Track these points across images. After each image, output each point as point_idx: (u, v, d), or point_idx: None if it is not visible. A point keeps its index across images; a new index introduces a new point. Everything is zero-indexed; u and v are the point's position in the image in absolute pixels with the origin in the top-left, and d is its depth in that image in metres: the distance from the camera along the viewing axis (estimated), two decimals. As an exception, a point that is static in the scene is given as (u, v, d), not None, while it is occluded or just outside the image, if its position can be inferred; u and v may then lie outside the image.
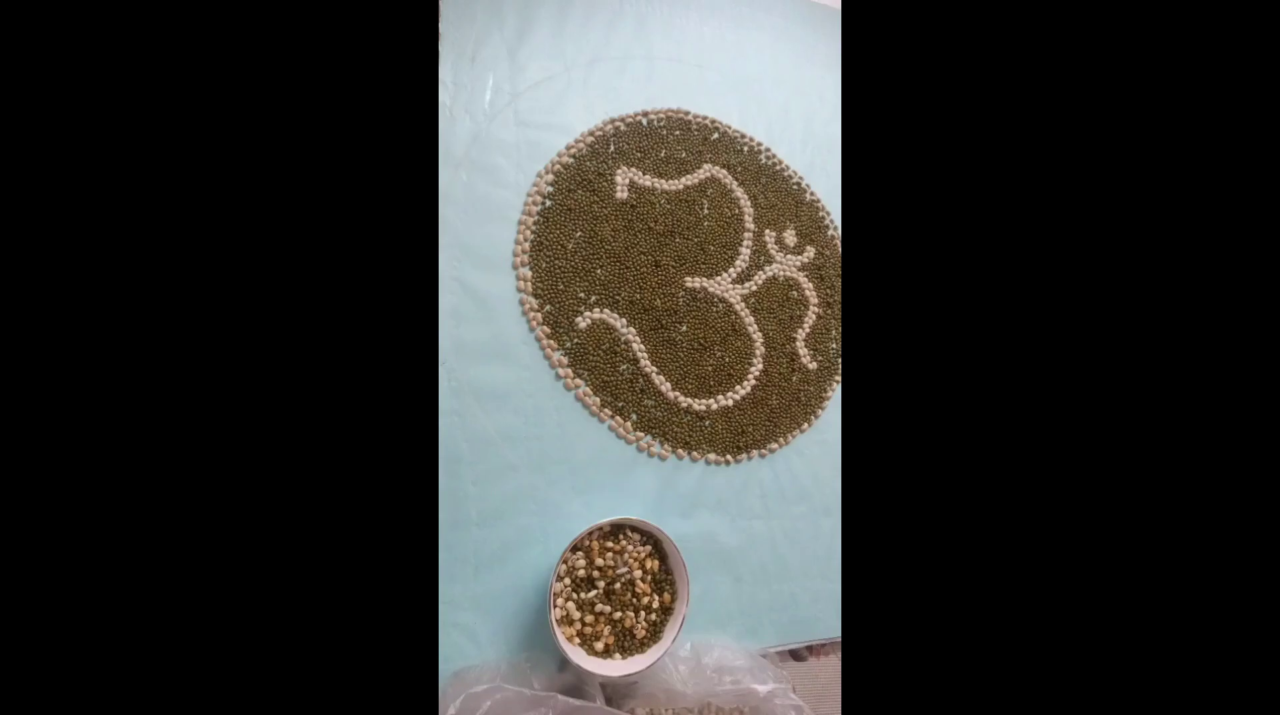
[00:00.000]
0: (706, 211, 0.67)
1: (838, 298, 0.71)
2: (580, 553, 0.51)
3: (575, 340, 0.59)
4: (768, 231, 0.69)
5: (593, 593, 0.51)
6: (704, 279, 0.65)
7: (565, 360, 0.58)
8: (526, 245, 0.59)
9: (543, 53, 0.65)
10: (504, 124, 0.62)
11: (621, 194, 0.64)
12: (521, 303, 0.58)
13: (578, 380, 0.58)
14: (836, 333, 0.70)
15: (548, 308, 0.58)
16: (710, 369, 0.63)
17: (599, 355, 0.59)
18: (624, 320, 0.61)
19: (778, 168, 0.72)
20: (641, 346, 0.61)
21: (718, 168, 0.69)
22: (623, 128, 0.66)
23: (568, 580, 0.51)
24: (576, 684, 0.50)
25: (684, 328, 0.63)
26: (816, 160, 0.75)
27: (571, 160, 0.63)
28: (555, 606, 0.49)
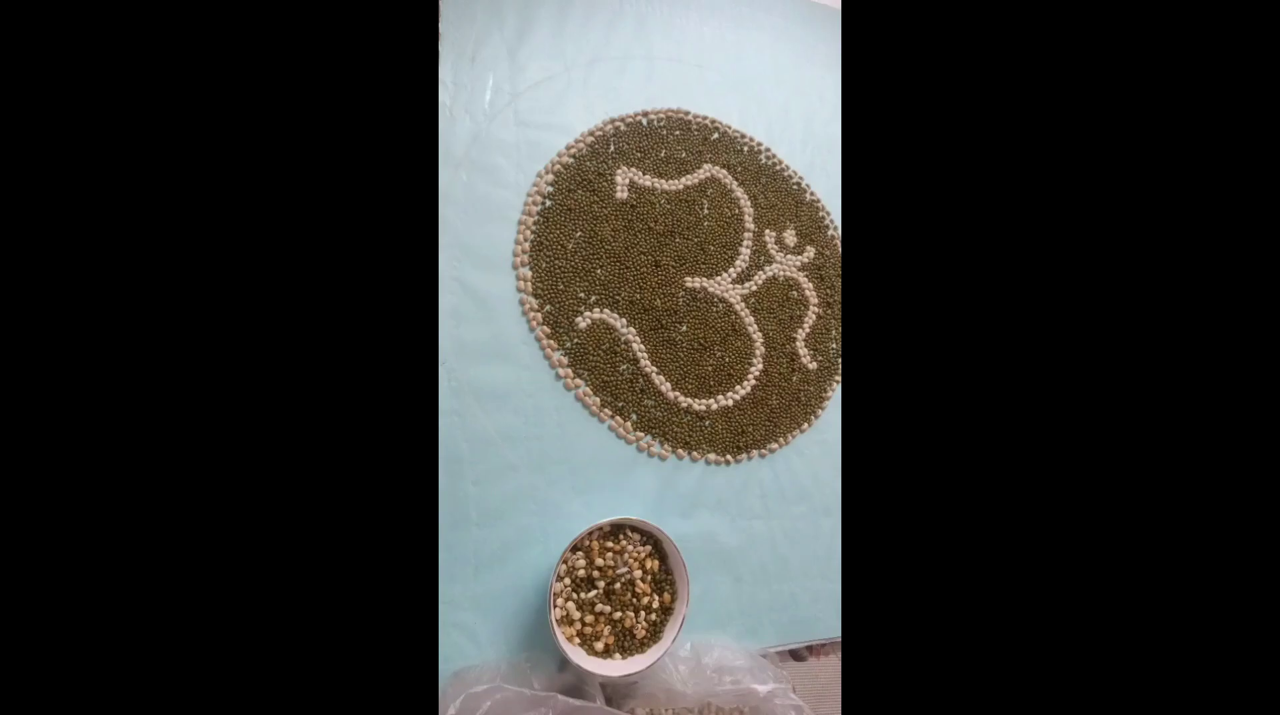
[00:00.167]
0: (706, 211, 0.67)
1: (838, 298, 0.71)
2: (580, 553, 0.51)
3: (575, 340, 0.59)
4: (768, 231, 0.69)
5: (593, 593, 0.51)
6: (704, 279, 0.65)
7: (565, 360, 0.58)
8: (526, 245, 0.59)
9: (543, 53, 0.65)
10: (504, 124, 0.62)
11: (621, 194, 0.64)
12: (521, 303, 0.58)
13: (578, 380, 0.58)
14: (836, 333, 0.70)
15: (548, 308, 0.58)
16: (710, 369, 0.63)
17: (599, 355, 0.59)
18: (624, 320, 0.61)
19: (778, 168, 0.72)
20: (641, 346, 0.61)
21: (718, 168, 0.69)
22: (623, 128, 0.66)
23: (568, 580, 0.51)
24: (576, 684, 0.50)
25: (684, 328, 0.63)
26: (816, 160, 0.75)
27: (571, 160, 0.63)
28: (555, 606, 0.49)
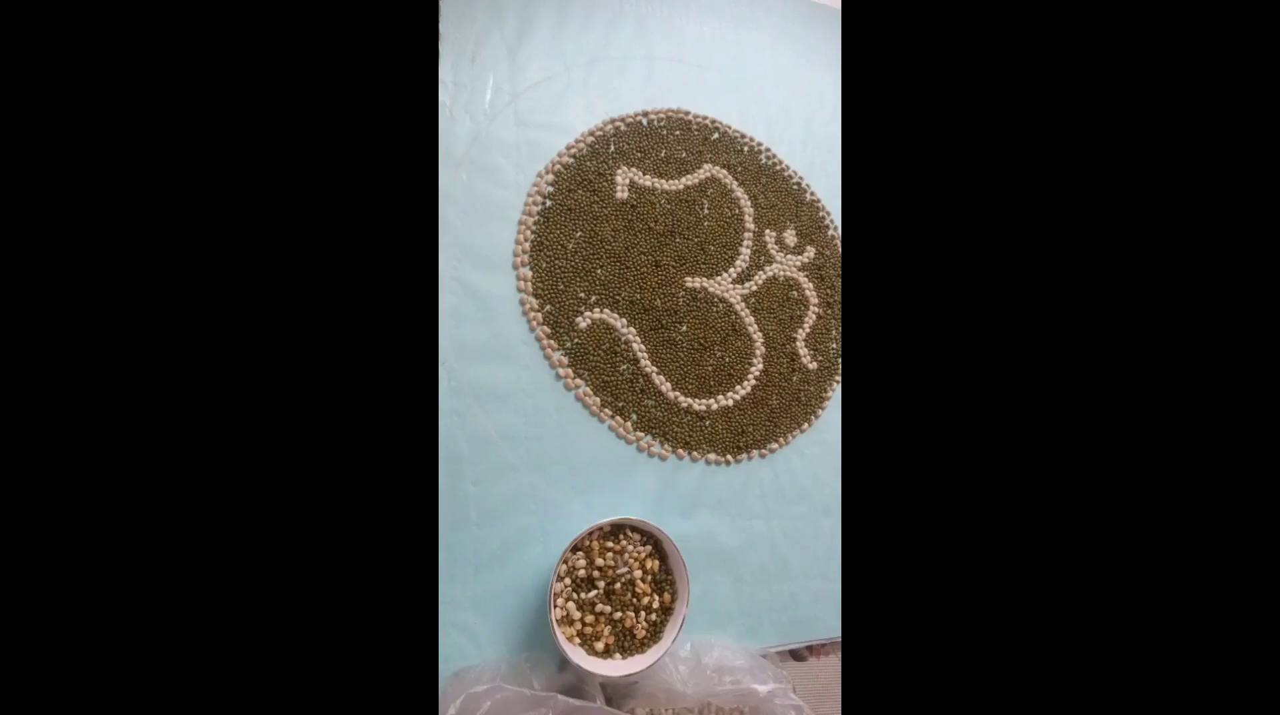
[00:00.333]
0: (707, 211, 0.67)
1: (838, 298, 0.71)
2: (580, 553, 0.51)
3: (575, 340, 0.59)
4: (768, 231, 0.69)
5: (593, 593, 0.51)
6: (704, 279, 0.65)
7: (565, 360, 0.58)
8: (526, 245, 0.59)
9: (543, 53, 0.65)
10: (504, 124, 0.62)
11: (622, 194, 0.64)
12: (521, 303, 0.58)
13: (578, 380, 0.58)
14: (836, 333, 0.70)
15: (548, 308, 0.58)
16: (710, 369, 0.63)
17: (599, 355, 0.59)
18: (624, 320, 0.61)
19: (778, 168, 0.72)
20: (641, 346, 0.61)
21: (718, 168, 0.69)
22: (623, 128, 0.66)
23: (568, 580, 0.51)
24: (576, 684, 0.50)
25: (684, 328, 0.63)
26: (816, 160, 0.75)
27: (571, 160, 0.63)
28: (555, 606, 0.49)
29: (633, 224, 0.63)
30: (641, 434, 0.59)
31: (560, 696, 0.45)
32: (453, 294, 0.56)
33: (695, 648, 0.54)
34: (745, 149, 0.71)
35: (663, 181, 0.66)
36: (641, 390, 0.60)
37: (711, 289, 0.65)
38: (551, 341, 0.58)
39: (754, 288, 0.67)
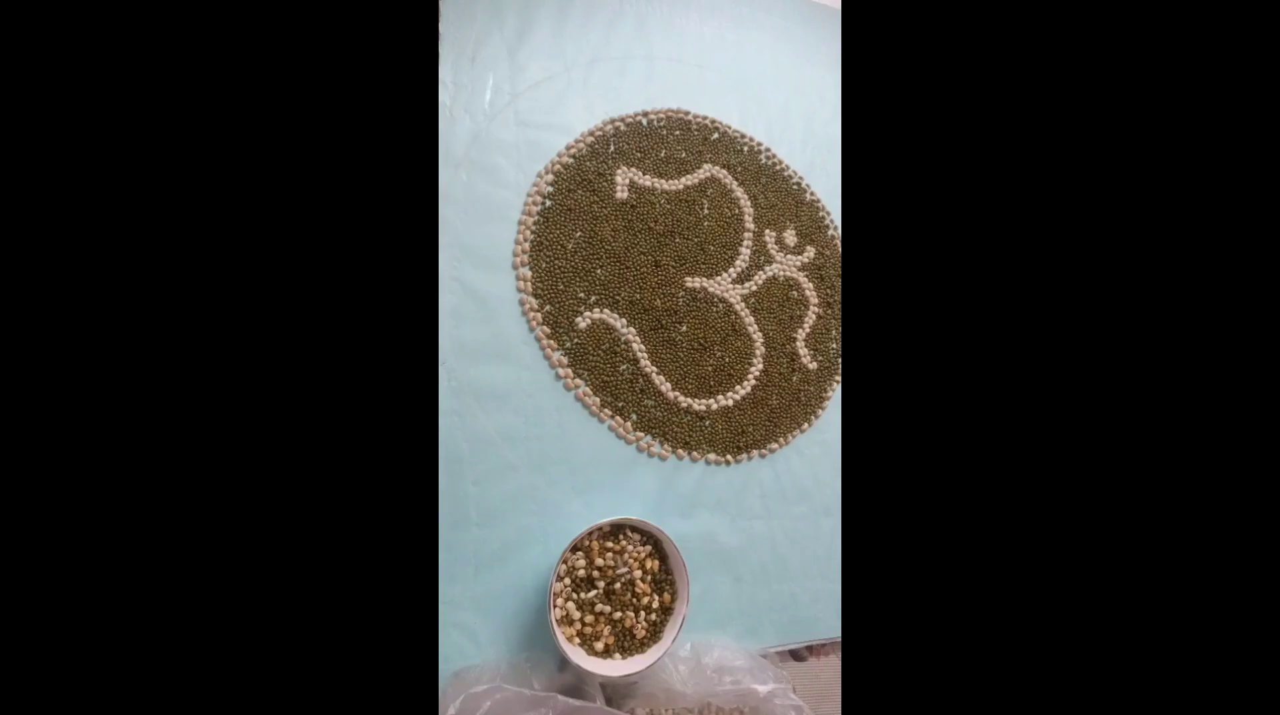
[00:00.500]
0: (706, 211, 0.67)
1: (838, 298, 0.71)
2: (580, 553, 0.51)
3: (575, 340, 0.59)
4: (768, 231, 0.69)
5: (592, 593, 0.51)
6: (704, 279, 0.65)
7: (565, 360, 0.58)
8: (526, 245, 0.59)
9: (543, 53, 0.65)
10: (504, 124, 0.62)
11: (621, 194, 0.64)
12: (521, 303, 0.58)
13: (578, 380, 0.58)
14: (836, 333, 0.70)
15: (548, 308, 0.58)
16: (710, 369, 0.63)
17: (599, 355, 0.59)
18: (624, 320, 0.61)
19: (778, 168, 0.72)
20: (641, 346, 0.61)
21: (718, 168, 0.69)
22: (623, 128, 0.66)
23: (568, 580, 0.51)
24: (576, 684, 0.50)
25: (684, 328, 0.63)
26: (816, 160, 0.75)
27: (571, 160, 0.63)
28: (555, 607, 0.49)
29: (633, 224, 0.63)
30: (641, 434, 0.59)
31: (560, 697, 0.45)
32: (453, 294, 0.56)
33: (695, 648, 0.54)
34: (745, 149, 0.71)
35: (662, 181, 0.66)
36: (641, 390, 0.60)
37: (711, 289, 0.65)
38: (551, 341, 0.58)
39: (754, 288, 0.67)
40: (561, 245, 0.60)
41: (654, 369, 0.61)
